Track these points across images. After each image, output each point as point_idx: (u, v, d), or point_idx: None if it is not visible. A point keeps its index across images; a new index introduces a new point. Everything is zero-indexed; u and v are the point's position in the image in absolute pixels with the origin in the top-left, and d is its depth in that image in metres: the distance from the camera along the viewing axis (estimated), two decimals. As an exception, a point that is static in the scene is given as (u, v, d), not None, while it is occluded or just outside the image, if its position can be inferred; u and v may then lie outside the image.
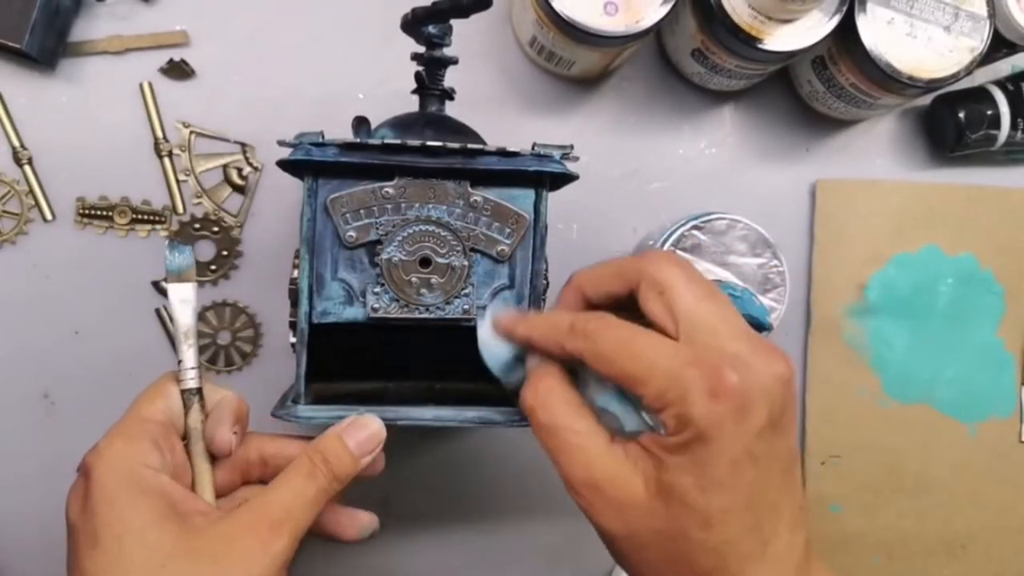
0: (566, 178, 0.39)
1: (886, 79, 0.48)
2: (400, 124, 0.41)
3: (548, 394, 0.32)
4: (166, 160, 0.52)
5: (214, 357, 0.53)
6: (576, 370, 0.33)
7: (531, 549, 0.56)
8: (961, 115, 0.54)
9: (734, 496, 0.28)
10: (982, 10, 0.49)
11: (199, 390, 0.36)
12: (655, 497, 0.29)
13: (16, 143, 0.51)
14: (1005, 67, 0.57)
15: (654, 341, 0.30)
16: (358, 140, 0.37)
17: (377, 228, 0.38)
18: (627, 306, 0.32)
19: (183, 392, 0.36)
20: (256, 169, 0.53)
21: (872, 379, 0.57)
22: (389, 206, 0.38)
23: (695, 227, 0.49)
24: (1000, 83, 0.55)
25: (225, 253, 0.52)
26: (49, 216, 0.51)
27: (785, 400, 0.29)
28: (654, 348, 0.29)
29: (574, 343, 0.31)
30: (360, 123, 0.40)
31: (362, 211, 0.38)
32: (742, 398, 0.28)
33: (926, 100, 0.57)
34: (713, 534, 0.28)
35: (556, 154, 0.38)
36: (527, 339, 0.34)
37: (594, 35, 0.45)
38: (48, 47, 0.49)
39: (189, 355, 0.36)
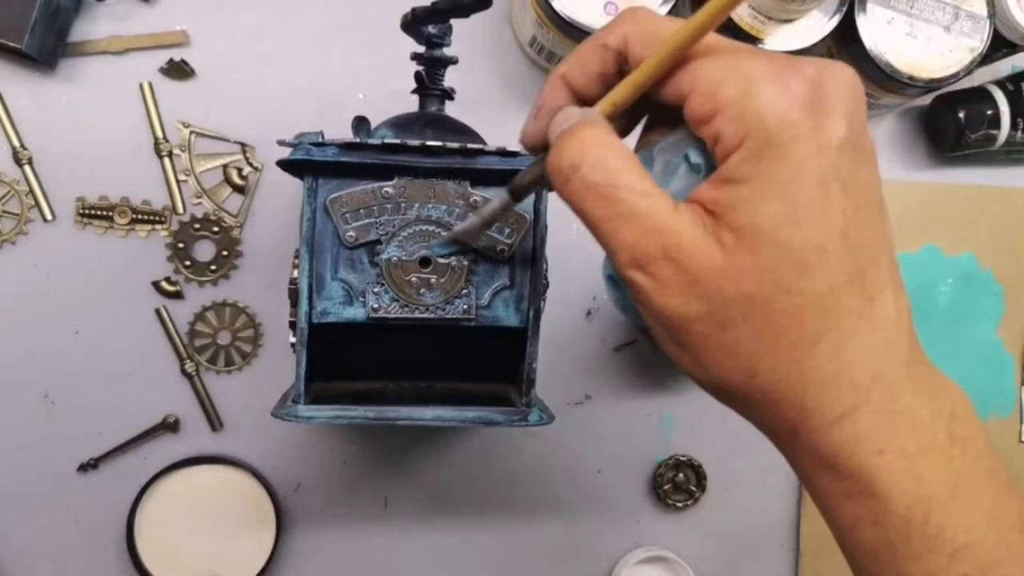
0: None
1: (886, 79, 0.48)
2: (400, 124, 0.41)
3: (600, 146, 0.24)
4: (166, 160, 0.52)
5: (214, 357, 0.53)
6: None
7: (531, 549, 0.56)
8: (961, 115, 0.54)
9: (827, 228, 0.22)
10: (982, 10, 0.49)
11: None
12: (736, 251, 0.22)
13: (16, 143, 0.51)
14: (1005, 67, 0.57)
15: (717, 35, 0.23)
16: (358, 140, 0.37)
17: (377, 228, 0.38)
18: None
19: None
20: (256, 169, 0.53)
21: (872, 379, 0.57)
22: (389, 206, 0.38)
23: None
24: (1000, 83, 0.55)
25: (225, 253, 0.52)
26: (49, 216, 0.51)
27: (863, 114, 0.23)
28: (714, 40, 0.23)
29: (617, 27, 0.25)
30: (360, 123, 0.40)
31: (362, 211, 0.38)
32: (818, 95, 0.22)
33: (926, 100, 0.57)
34: (813, 281, 0.22)
35: (556, 154, 0.38)
36: (561, 76, 0.26)
37: (594, 35, 0.45)
38: (48, 47, 0.49)
39: None
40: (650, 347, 0.56)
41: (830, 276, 0.22)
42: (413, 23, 0.40)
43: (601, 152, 0.24)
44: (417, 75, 0.42)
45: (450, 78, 0.43)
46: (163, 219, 0.52)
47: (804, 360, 0.23)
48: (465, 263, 0.39)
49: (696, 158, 0.25)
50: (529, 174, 0.29)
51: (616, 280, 0.29)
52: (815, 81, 0.22)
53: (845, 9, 0.47)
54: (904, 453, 0.23)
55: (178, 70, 0.52)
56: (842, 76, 0.22)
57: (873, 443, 0.23)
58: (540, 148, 0.28)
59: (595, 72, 0.26)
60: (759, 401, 0.24)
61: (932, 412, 0.24)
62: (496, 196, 0.31)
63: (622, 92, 0.25)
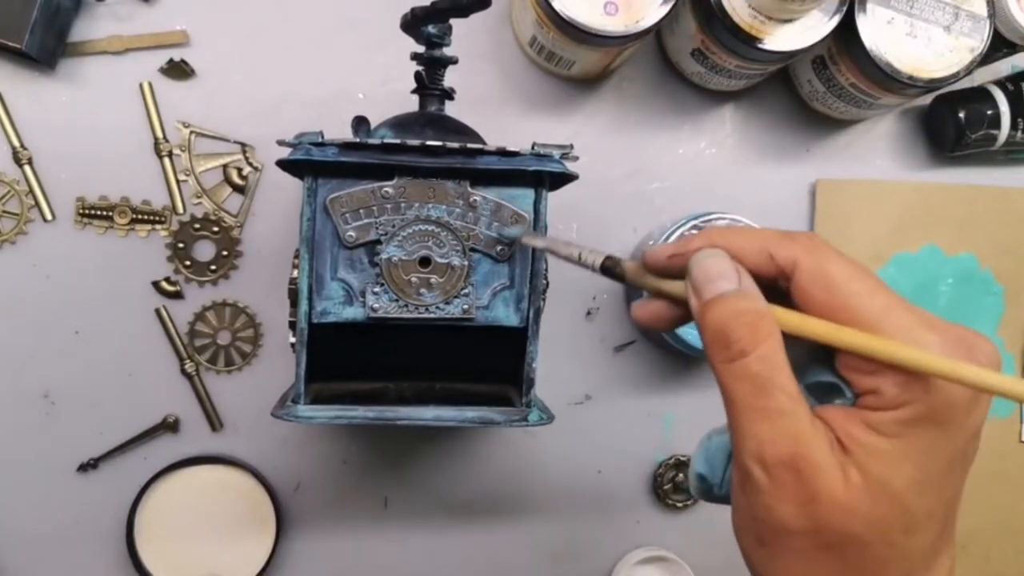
0: (566, 178, 0.39)
1: (886, 79, 0.48)
2: (400, 124, 0.41)
3: (769, 338, 0.24)
4: (166, 160, 0.52)
5: (214, 357, 0.53)
6: None
7: (531, 549, 0.56)
8: (961, 115, 0.54)
9: (941, 498, 0.24)
10: (982, 10, 0.49)
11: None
12: (858, 492, 0.23)
13: (16, 143, 0.51)
14: (1005, 67, 0.57)
15: (887, 289, 0.24)
16: (358, 140, 0.37)
17: (377, 228, 0.38)
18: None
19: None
20: (256, 169, 0.53)
21: (872, 379, 0.56)
22: (389, 206, 0.38)
23: (695, 227, 0.49)
24: (1000, 83, 0.55)
25: (225, 253, 0.52)
26: (49, 216, 0.51)
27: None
28: (889, 295, 0.24)
29: (791, 250, 0.25)
30: (360, 123, 0.40)
31: (362, 211, 0.38)
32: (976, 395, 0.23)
33: (926, 100, 0.57)
34: (913, 540, 0.24)
35: (556, 154, 0.38)
36: (725, 248, 0.26)
37: (594, 35, 0.45)
38: (48, 47, 0.49)
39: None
40: (650, 347, 0.56)
41: (926, 538, 0.24)
42: (413, 23, 0.40)
43: (770, 347, 0.24)
44: (417, 75, 0.42)
45: (450, 78, 0.43)
46: (163, 219, 0.52)
47: None
48: (465, 263, 0.39)
49: (821, 378, 0.26)
50: (659, 287, 0.29)
51: (705, 478, 0.30)
52: (983, 365, 0.23)
53: (845, 9, 0.47)
54: None
55: (178, 70, 0.52)
56: (996, 354, 0.24)
57: None
58: (661, 272, 0.29)
59: (748, 264, 0.26)
60: None
61: None
62: (591, 254, 0.31)
63: (803, 329, 0.25)
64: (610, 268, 0.30)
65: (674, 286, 0.28)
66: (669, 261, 0.28)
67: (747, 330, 0.24)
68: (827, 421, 0.24)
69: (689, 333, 0.49)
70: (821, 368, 0.26)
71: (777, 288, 0.26)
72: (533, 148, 0.38)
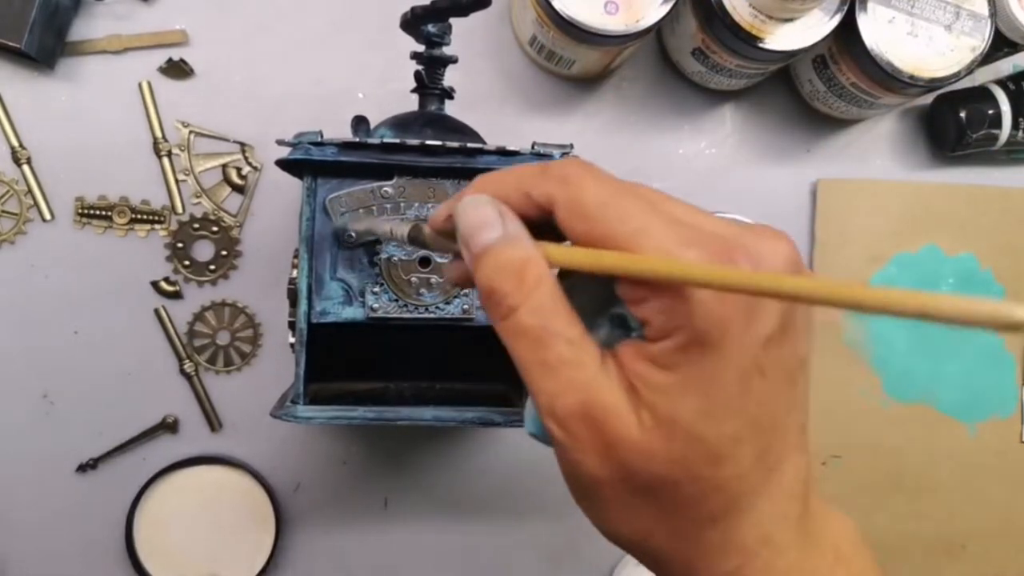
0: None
1: (887, 78, 0.48)
2: (399, 123, 0.41)
3: (538, 284, 0.23)
4: (165, 160, 0.52)
5: (213, 357, 0.52)
6: None
7: (531, 549, 0.55)
8: (962, 114, 0.54)
9: (743, 419, 0.22)
10: (983, 9, 0.49)
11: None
12: (652, 432, 0.22)
13: (15, 143, 0.51)
14: (1006, 66, 0.57)
15: (643, 211, 0.23)
16: (357, 139, 0.37)
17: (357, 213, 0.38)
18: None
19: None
20: (255, 169, 0.53)
21: (872, 379, 0.56)
22: (388, 205, 0.38)
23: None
24: (1001, 82, 0.55)
25: (224, 253, 0.52)
26: (48, 216, 0.51)
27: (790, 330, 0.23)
28: (647, 214, 0.22)
29: (545, 186, 0.24)
30: (359, 122, 0.40)
31: (361, 211, 0.38)
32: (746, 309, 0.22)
33: (927, 99, 0.57)
34: (722, 469, 0.23)
35: (556, 153, 0.38)
36: (488, 193, 0.25)
37: (594, 34, 0.45)
38: (47, 47, 0.49)
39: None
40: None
41: (739, 464, 0.23)
42: (413, 22, 0.40)
43: (541, 295, 0.23)
44: (417, 74, 0.42)
45: (450, 77, 0.43)
46: (162, 219, 0.52)
47: (699, 533, 0.23)
48: (446, 260, 0.39)
49: (621, 313, 0.25)
50: (445, 246, 0.28)
51: (536, 437, 0.28)
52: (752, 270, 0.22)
53: (846, 8, 0.47)
54: None
55: (177, 69, 0.52)
56: (780, 254, 0.22)
57: None
58: (429, 244, 0.28)
59: (514, 207, 0.25)
60: (651, 558, 0.25)
61: (815, 562, 0.25)
62: (400, 226, 0.30)
63: (570, 261, 0.23)
64: (415, 237, 0.29)
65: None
66: (447, 223, 0.26)
67: (513, 282, 0.23)
68: (620, 361, 0.23)
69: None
70: (614, 298, 0.24)
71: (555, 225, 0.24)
72: (533, 148, 0.38)
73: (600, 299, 0.25)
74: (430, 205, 0.38)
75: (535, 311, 0.23)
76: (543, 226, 0.24)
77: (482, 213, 0.24)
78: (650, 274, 0.21)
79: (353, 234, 0.38)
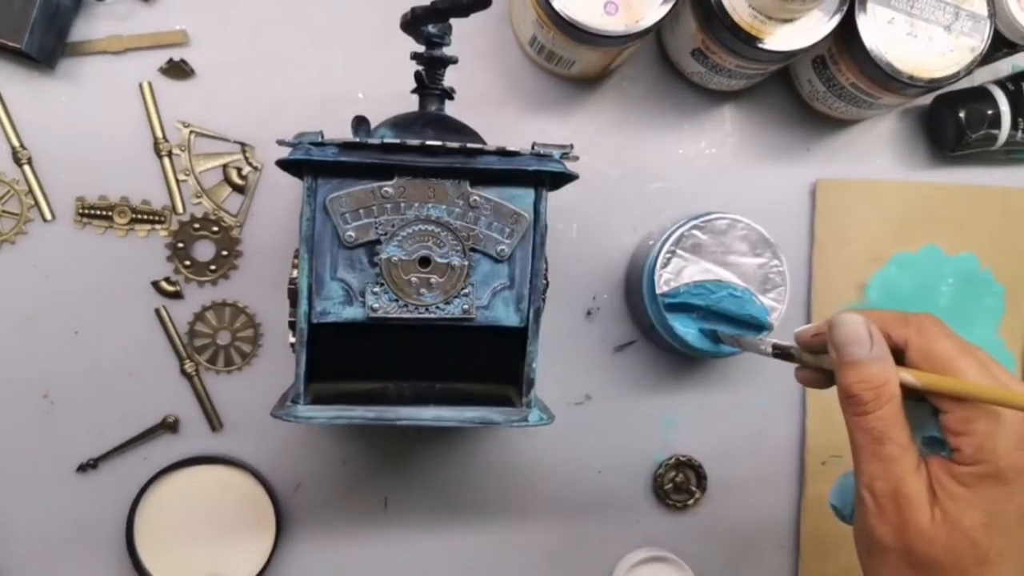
0: (566, 178, 0.39)
1: (886, 79, 0.48)
2: (400, 124, 0.41)
3: (890, 400, 0.32)
4: (166, 160, 0.52)
5: (214, 357, 0.53)
6: None
7: (531, 549, 0.55)
8: (961, 115, 0.54)
9: (1011, 543, 0.31)
10: (982, 10, 0.49)
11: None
12: (939, 526, 0.31)
13: (16, 143, 0.51)
14: (1005, 67, 0.57)
15: (978, 368, 0.32)
16: (357, 140, 0.37)
17: (376, 228, 0.38)
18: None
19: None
20: (256, 169, 0.53)
21: (872, 379, 0.56)
22: (388, 206, 0.38)
23: (695, 227, 0.49)
24: (1000, 83, 0.55)
25: (225, 253, 0.52)
26: (49, 216, 0.51)
27: None
28: (977, 373, 0.32)
29: (904, 332, 0.33)
30: (360, 122, 0.40)
31: (361, 211, 0.38)
32: None
33: (926, 100, 0.57)
34: (985, 572, 0.31)
35: (556, 153, 0.38)
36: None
37: (594, 35, 0.45)
38: (48, 47, 0.49)
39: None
40: (650, 347, 0.56)
41: (997, 572, 0.31)
42: (413, 23, 0.40)
43: (889, 409, 0.32)
44: (417, 75, 0.42)
45: (450, 78, 0.43)
46: (163, 219, 0.52)
47: None
48: (465, 263, 0.39)
49: (933, 433, 0.34)
50: (811, 361, 0.38)
51: (837, 509, 0.39)
52: None
53: (845, 9, 0.47)
54: None
55: (178, 70, 0.52)
56: None
57: None
58: (793, 356, 0.39)
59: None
60: None
61: None
62: (763, 344, 0.41)
63: (921, 383, 0.33)
64: (779, 353, 0.40)
65: (820, 359, 0.37)
66: (814, 340, 0.37)
67: (872, 394, 0.32)
68: (929, 469, 0.32)
69: (689, 333, 0.49)
70: (935, 425, 0.33)
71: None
72: (533, 148, 0.38)
73: (922, 418, 0.34)
74: (430, 205, 0.38)
75: (883, 419, 0.32)
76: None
77: (858, 330, 0.34)
78: (984, 396, 0.31)
79: (353, 234, 0.38)
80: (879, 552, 0.33)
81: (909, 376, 0.32)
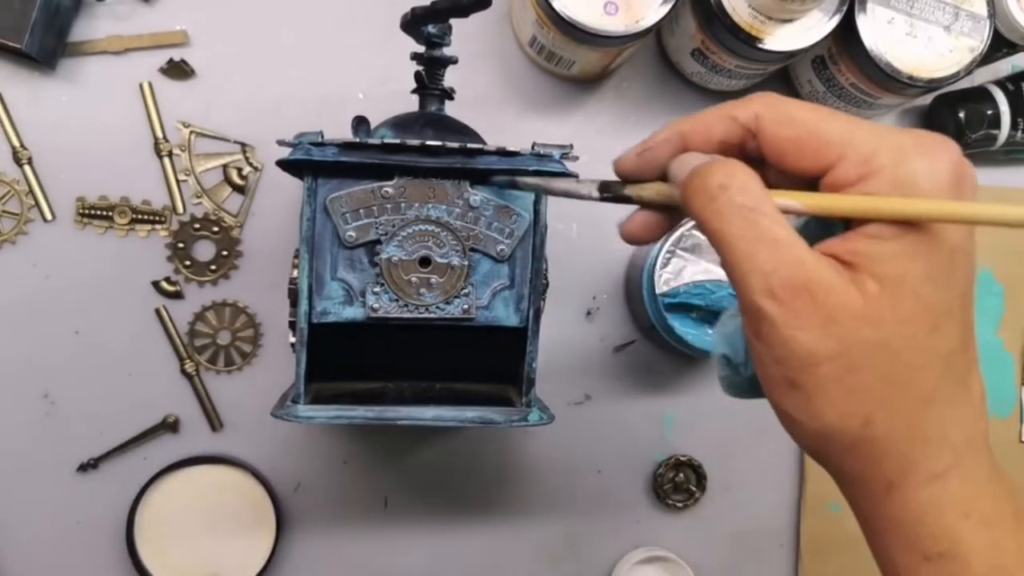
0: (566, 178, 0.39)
1: (886, 79, 0.48)
2: (400, 124, 0.41)
3: (748, 177, 0.24)
4: (166, 160, 0.52)
5: (214, 357, 0.53)
6: None
7: (531, 549, 0.56)
8: (961, 115, 0.54)
9: (954, 292, 0.24)
10: (982, 10, 0.49)
11: None
12: (878, 298, 0.23)
13: (16, 143, 0.51)
14: (1005, 67, 0.57)
15: (843, 115, 0.25)
16: (357, 140, 0.37)
17: (377, 228, 0.38)
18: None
19: None
20: (256, 169, 0.53)
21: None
22: (389, 206, 0.38)
23: (695, 227, 0.49)
24: (1000, 83, 0.55)
25: (225, 253, 0.52)
26: (49, 216, 0.51)
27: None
28: (847, 118, 0.25)
29: (750, 107, 0.26)
30: (360, 123, 0.40)
31: (362, 211, 0.38)
32: (961, 175, 0.24)
33: (926, 100, 0.57)
34: (940, 341, 0.24)
35: (556, 154, 0.38)
36: (678, 132, 0.27)
37: (594, 35, 0.45)
38: (48, 47, 0.49)
39: None
40: (650, 347, 0.56)
41: (951, 340, 0.24)
42: (413, 23, 0.40)
43: (749, 180, 0.24)
44: (417, 75, 0.42)
45: (450, 78, 0.43)
46: (163, 219, 0.52)
47: (917, 414, 0.24)
48: (465, 263, 0.39)
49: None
50: (652, 195, 0.29)
51: (729, 359, 0.30)
52: (958, 162, 0.24)
53: (845, 9, 0.47)
54: (986, 519, 0.24)
55: (178, 70, 0.52)
56: (971, 165, 0.25)
57: (962, 505, 0.24)
58: (630, 179, 0.29)
59: (717, 139, 0.26)
60: (866, 451, 0.24)
61: (1005, 487, 0.26)
62: (581, 185, 0.32)
63: (798, 203, 0.25)
64: (605, 188, 0.30)
65: (659, 187, 0.28)
66: (640, 157, 0.28)
67: (722, 169, 0.24)
68: (830, 251, 0.24)
69: (689, 333, 0.49)
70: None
71: (750, 159, 0.26)
72: (533, 148, 0.38)
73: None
74: (430, 205, 0.38)
75: (745, 191, 0.24)
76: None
77: (695, 155, 0.26)
78: (885, 215, 0.23)
79: (353, 234, 0.38)
80: (807, 371, 0.24)
81: (789, 200, 0.25)
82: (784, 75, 0.56)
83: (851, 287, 0.23)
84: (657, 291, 0.49)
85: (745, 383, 0.30)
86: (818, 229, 0.26)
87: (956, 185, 0.24)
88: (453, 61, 0.42)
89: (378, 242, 0.38)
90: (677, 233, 0.49)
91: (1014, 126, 0.54)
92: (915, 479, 0.24)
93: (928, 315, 0.23)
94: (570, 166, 0.39)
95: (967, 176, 0.24)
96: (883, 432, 0.24)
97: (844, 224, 0.25)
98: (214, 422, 0.53)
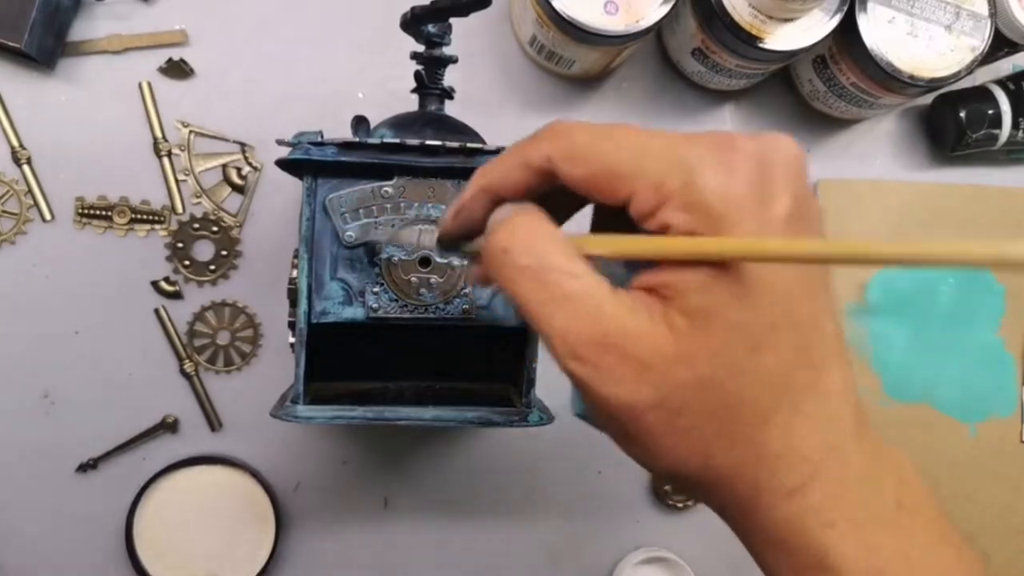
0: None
1: (887, 78, 0.48)
2: (399, 123, 0.41)
3: (530, 232, 0.23)
4: (165, 160, 0.52)
5: (213, 357, 0.52)
6: None
7: (531, 549, 0.55)
8: (962, 114, 0.54)
9: (775, 306, 0.22)
10: (983, 9, 0.49)
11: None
12: (687, 335, 0.22)
13: (15, 143, 0.51)
14: (1006, 66, 0.57)
15: (637, 130, 0.23)
16: (357, 139, 0.37)
17: (377, 228, 0.38)
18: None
19: None
20: (255, 169, 0.53)
21: (872, 379, 0.56)
22: (388, 206, 0.38)
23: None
24: (1001, 82, 0.55)
25: (224, 253, 0.52)
26: (48, 216, 0.51)
27: (806, 184, 0.23)
28: (639, 135, 0.23)
29: (539, 148, 0.24)
30: (359, 122, 0.40)
31: (361, 211, 0.38)
32: (761, 172, 0.22)
33: (927, 99, 0.57)
34: (764, 359, 0.22)
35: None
36: (483, 189, 0.26)
37: (594, 34, 0.45)
38: (47, 47, 0.49)
39: None
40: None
41: (780, 353, 0.22)
42: (413, 22, 0.40)
43: (531, 236, 0.23)
44: (417, 74, 0.42)
45: (450, 78, 0.43)
46: (162, 219, 0.52)
47: (757, 437, 0.23)
48: (465, 263, 0.39)
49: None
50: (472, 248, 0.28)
51: (584, 416, 0.28)
52: (756, 157, 0.22)
53: (846, 8, 0.47)
54: (855, 524, 0.23)
55: (177, 69, 0.52)
56: (783, 148, 0.23)
57: (825, 515, 0.23)
58: (454, 245, 0.28)
59: (520, 187, 0.25)
60: (714, 484, 0.24)
61: (880, 480, 0.24)
62: (424, 234, 0.36)
63: (595, 247, 0.24)
64: (442, 241, 0.29)
65: (480, 244, 0.27)
66: (456, 220, 0.27)
67: (502, 230, 0.24)
68: (643, 284, 0.23)
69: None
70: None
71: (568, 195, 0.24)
72: (533, 148, 0.38)
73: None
74: (430, 205, 0.38)
75: (528, 251, 0.23)
76: (555, 195, 0.25)
77: (499, 213, 0.25)
78: (665, 252, 0.22)
79: (352, 234, 0.38)
80: (634, 423, 0.22)
81: (596, 248, 0.23)
82: (785, 75, 0.56)
83: (660, 327, 0.22)
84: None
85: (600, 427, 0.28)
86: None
87: (759, 195, 0.22)
88: (453, 61, 0.42)
89: (378, 242, 0.38)
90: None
91: (1015, 126, 0.54)
92: (770, 499, 0.23)
93: (745, 337, 0.22)
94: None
95: (775, 177, 0.22)
96: (726, 464, 0.23)
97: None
98: (213, 422, 0.53)
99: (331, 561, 0.54)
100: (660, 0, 0.46)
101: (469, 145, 0.37)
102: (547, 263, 0.22)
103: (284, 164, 0.37)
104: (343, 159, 0.37)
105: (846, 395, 0.24)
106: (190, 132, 0.52)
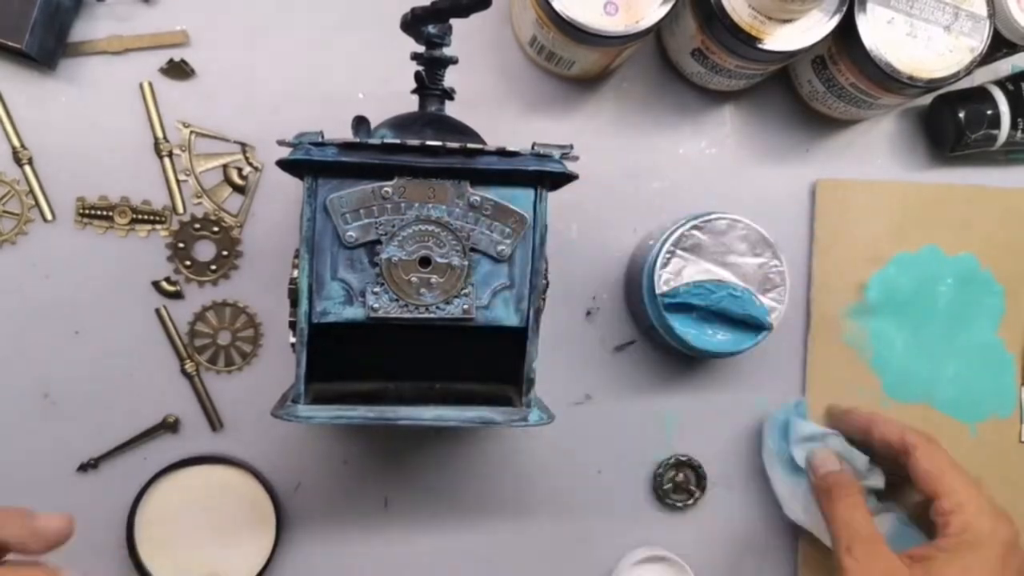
0: (566, 178, 0.39)
1: (886, 79, 0.48)
2: (400, 124, 0.41)
3: (853, 509, 0.46)
4: (166, 160, 0.52)
5: (214, 357, 0.53)
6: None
7: (531, 549, 0.56)
8: (961, 115, 0.54)
9: None
10: (982, 10, 0.49)
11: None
12: None
13: (16, 143, 0.51)
14: (1005, 67, 0.57)
15: (962, 473, 0.46)
16: (358, 140, 0.37)
17: (377, 228, 0.38)
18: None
19: None
20: (256, 169, 0.53)
21: (872, 379, 0.56)
22: (389, 206, 0.38)
23: (695, 227, 0.49)
24: (1000, 83, 0.55)
25: (225, 253, 0.52)
26: (49, 216, 0.51)
27: (1018, 549, 0.44)
28: (963, 477, 0.46)
29: (910, 438, 0.48)
30: (360, 123, 0.40)
31: (362, 211, 0.38)
32: (1005, 526, 0.44)
33: (926, 100, 0.57)
34: None
35: (556, 154, 0.38)
36: (862, 423, 0.51)
37: (594, 35, 0.45)
38: (48, 47, 0.49)
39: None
40: (650, 347, 0.56)
41: None
42: (413, 23, 0.40)
43: (853, 513, 0.46)
44: (417, 75, 0.42)
45: (450, 78, 0.43)
46: (163, 219, 0.52)
47: None
48: (465, 263, 0.39)
49: (907, 521, 0.50)
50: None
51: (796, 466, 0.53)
52: (1007, 519, 0.45)
53: (845, 9, 0.47)
54: None
55: (178, 70, 0.52)
56: (1008, 522, 0.45)
57: None
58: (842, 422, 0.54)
59: (884, 438, 0.51)
60: None
61: None
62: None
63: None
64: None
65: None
66: (844, 416, 0.54)
67: (840, 507, 0.47)
68: (915, 554, 0.44)
69: (689, 333, 0.49)
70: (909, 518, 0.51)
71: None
72: (533, 148, 0.38)
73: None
74: (430, 205, 0.38)
75: (847, 526, 0.46)
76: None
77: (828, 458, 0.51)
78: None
79: (353, 234, 0.38)
80: None
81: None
82: (784, 75, 0.56)
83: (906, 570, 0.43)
84: (657, 291, 0.49)
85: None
86: (911, 540, 0.47)
87: (1003, 555, 0.43)
88: (453, 61, 0.42)
89: (378, 242, 0.38)
90: (677, 233, 0.49)
91: (1014, 126, 0.54)
92: None
93: None
94: (570, 166, 0.39)
95: (1015, 555, 0.44)
96: None
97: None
98: (214, 422, 0.53)
99: (332, 561, 0.54)
100: (660, 1, 0.46)
101: (469, 145, 0.37)
102: (860, 532, 0.45)
103: (285, 164, 0.37)
104: (344, 159, 0.37)
105: None
106: (191, 132, 0.52)
